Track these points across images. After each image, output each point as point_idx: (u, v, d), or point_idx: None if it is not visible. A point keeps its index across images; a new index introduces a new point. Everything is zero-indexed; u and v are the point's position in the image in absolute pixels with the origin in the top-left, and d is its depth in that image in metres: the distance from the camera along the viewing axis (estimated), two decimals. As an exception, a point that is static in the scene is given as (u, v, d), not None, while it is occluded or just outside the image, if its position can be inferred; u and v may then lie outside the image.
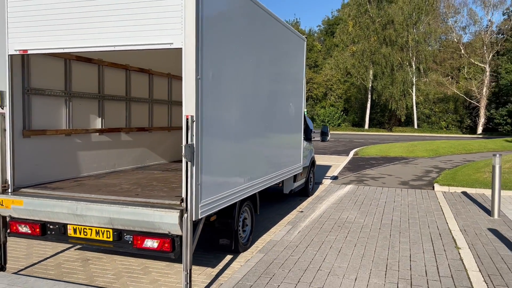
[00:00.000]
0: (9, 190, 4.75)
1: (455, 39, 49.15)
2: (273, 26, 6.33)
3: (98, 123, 6.39)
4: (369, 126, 50.74)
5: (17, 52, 4.68)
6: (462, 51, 47.78)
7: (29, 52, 4.66)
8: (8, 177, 4.75)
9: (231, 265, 5.30)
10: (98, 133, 6.34)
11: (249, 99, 5.55)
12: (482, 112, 46.32)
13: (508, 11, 46.43)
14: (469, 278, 4.88)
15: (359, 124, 53.00)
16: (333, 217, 7.76)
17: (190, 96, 4.03)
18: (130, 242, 4.31)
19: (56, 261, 5.46)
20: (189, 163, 3.99)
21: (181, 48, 4.03)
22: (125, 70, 6.93)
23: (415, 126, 48.00)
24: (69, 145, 5.79)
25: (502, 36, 45.99)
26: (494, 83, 45.94)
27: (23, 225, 4.69)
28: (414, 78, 47.03)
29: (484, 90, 45.78)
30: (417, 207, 8.66)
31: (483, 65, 46.45)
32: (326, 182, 11.72)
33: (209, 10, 4.22)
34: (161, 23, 4.09)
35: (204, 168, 4.19)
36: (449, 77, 49.62)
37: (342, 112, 54.36)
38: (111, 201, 4.38)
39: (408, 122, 50.10)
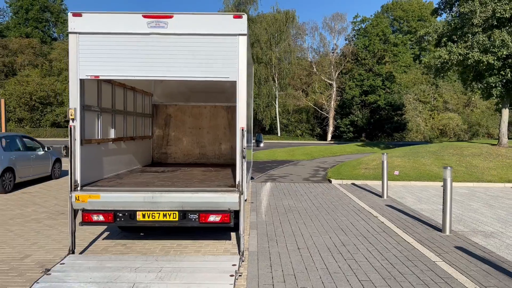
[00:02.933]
0: (78, 188, 5.88)
1: (308, 59, 56.44)
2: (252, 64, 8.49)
3: (114, 133, 7.58)
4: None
5: (89, 77, 5.88)
6: (314, 69, 55.14)
7: (100, 77, 5.91)
8: (78, 178, 5.88)
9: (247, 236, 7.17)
10: (114, 141, 7.54)
11: (250, 118, 7.59)
12: (331, 122, 54.13)
13: (349, 37, 55.49)
14: (393, 230, 7.68)
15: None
16: (278, 204, 10.07)
17: (243, 114, 5.91)
18: (194, 219, 5.92)
19: (101, 246, 6.60)
20: (243, 160, 5.86)
21: (235, 81, 5.89)
22: (133, 91, 8.32)
23: (278, 134, 53.55)
24: (101, 151, 6.93)
25: (345, 58, 54.60)
26: (339, 97, 54.18)
27: (96, 215, 5.86)
28: (277, 91, 52.53)
29: (332, 103, 53.61)
30: (330, 195, 11.54)
31: (331, 82, 54.38)
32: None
33: (248, 55, 6.15)
34: (220, 62, 5.87)
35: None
36: (301, 90, 56.67)
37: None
38: (182, 190, 5.93)
39: (272, 130, 55.55)
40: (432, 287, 5.01)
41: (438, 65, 18.73)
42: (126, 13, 5.85)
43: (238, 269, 5.26)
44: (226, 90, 11.09)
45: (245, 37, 5.86)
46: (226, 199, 5.84)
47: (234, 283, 4.86)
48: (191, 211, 5.92)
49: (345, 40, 56.89)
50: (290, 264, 5.80)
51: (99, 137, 6.90)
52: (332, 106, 53.52)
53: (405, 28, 65.33)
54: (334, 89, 53.88)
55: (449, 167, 7.44)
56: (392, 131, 54.11)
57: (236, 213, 5.93)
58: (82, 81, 5.90)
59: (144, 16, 5.83)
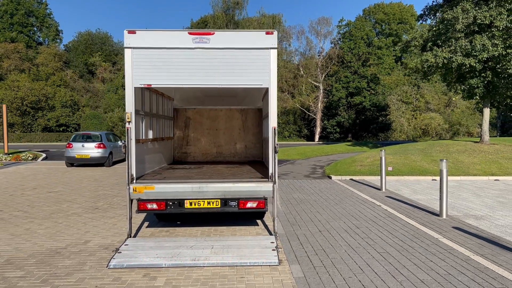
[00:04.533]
0: (134, 181, 6.83)
1: (295, 62, 57.81)
2: None
3: (151, 134, 8.52)
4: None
5: (142, 85, 6.84)
6: (301, 72, 56.51)
7: (152, 86, 6.88)
8: (133, 172, 6.83)
9: (268, 223, 8.20)
10: (151, 142, 8.48)
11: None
12: (318, 123, 55.53)
13: (334, 40, 57.06)
14: (397, 216, 8.80)
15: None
16: (289, 197, 11.12)
17: (274, 115, 6.94)
18: (234, 206, 6.92)
19: (148, 233, 7.54)
20: (275, 155, 6.89)
21: (267, 88, 6.93)
22: (161, 96, 9.27)
23: (267, 135, 54.62)
24: (143, 150, 7.87)
25: (331, 61, 56.10)
26: (326, 99, 55.64)
27: (150, 204, 6.81)
28: (265, 93, 53.60)
29: (319, 105, 55.03)
30: (333, 189, 12.64)
31: (317, 84, 55.81)
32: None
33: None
34: (255, 72, 6.89)
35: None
36: (287, 92, 57.94)
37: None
38: (224, 181, 6.92)
39: (260, 132, 56.58)
40: (439, 256, 6.11)
41: (426, 69, 20.04)
42: (174, 31, 6.83)
43: (277, 245, 6.29)
44: (238, 94, 12.11)
45: (276, 50, 6.89)
46: (262, 188, 6.86)
47: (278, 255, 5.89)
48: (232, 199, 6.91)
49: (331, 43, 58.56)
50: (317, 242, 6.85)
51: (142, 138, 7.84)
52: (319, 107, 54.93)
53: (387, 30, 67.26)
54: (321, 91, 55.31)
55: (444, 160, 8.60)
56: (377, 131, 55.81)
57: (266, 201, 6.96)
58: (136, 89, 6.85)
59: (190, 33, 6.82)
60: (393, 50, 61.80)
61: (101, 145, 19.43)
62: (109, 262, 5.73)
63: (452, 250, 6.39)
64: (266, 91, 9.01)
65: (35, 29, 71.79)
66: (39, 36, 72.96)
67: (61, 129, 52.12)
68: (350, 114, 54.78)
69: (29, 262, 5.92)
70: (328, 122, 55.30)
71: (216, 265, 5.67)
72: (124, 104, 53.05)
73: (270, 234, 7.37)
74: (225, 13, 49.80)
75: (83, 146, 19.26)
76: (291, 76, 57.92)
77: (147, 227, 8.00)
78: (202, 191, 6.81)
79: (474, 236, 7.15)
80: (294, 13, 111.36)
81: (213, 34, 6.83)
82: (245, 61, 6.87)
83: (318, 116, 55.13)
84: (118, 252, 6.04)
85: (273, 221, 6.98)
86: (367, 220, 8.41)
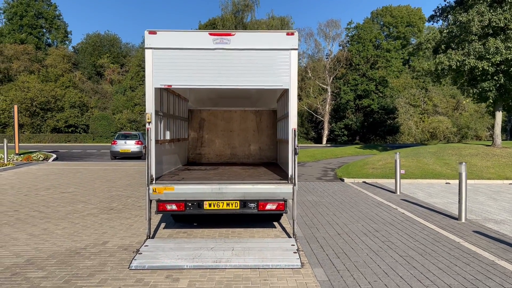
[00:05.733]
0: (154, 182, 6.80)
1: (303, 64, 57.75)
2: None
3: (169, 135, 8.50)
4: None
5: (162, 86, 6.82)
6: (309, 74, 56.43)
7: (172, 86, 6.85)
8: (153, 173, 6.80)
9: (285, 226, 8.13)
10: (169, 143, 8.46)
11: None
12: (326, 125, 55.37)
13: (342, 43, 56.95)
14: (415, 219, 8.71)
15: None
16: (304, 199, 11.05)
17: (294, 117, 6.89)
18: (253, 207, 6.86)
19: (166, 234, 7.51)
20: (295, 156, 6.83)
21: (288, 89, 6.88)
22: (177, 97, 9.27)
23: (275, 138, 54.54)
24: (161, 150, 7.85)
25: (339, 63, 55.97)
26: (333, 101, 55.50)
27: (169, 205, 6.78)
28: (273, 95, 53.56)
29: (326, 107, 54.89)
30: (347, 191, 12.56)
31: (325, 86, 55.69)
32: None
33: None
34: (275, 73, 6.84)
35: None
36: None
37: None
38: (244, 182, 6.87)
39: (268, 134, 56.50)
40: (463, 260, 6.02)
41: (439, 71, 19.91)
42: (194, 31, 6.82)
43: (298, 248, 6.23)
44: (252, 96, 12.09)
45: (296, 51, 6.85)
46: (282, 189, 6.80)
47: (300, 258, 5.83)
48: (251, 200, 6.85)
49: (339, 46, 58.39)
50: (337, 245, 6.79)
51: (161, 138, 7.82)
52: (327, 110, 54.78)
53: (394, 33, 67.09)
54: (329, 93, 55.17)
55: (464, 163, 8.50)
56: (385, 134, 55.57)
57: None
58: (156, 90, 6.83)
59: (210, 34, 6.79)
60: (402, 53, 61.70)
61: (139, 142, 24.45)
62: (130, 263, 5.70)
63: (476, 254, 6.29)
64: (282, 93, 8.98)
65: (44, 30, 72.37)
66: (48, 38, 73.54)
67: (70, 130, 52.39)
68: (358, 117, 54.57)
69: (50, 262, 5.90)
70: (335, 125, 55.13)
71: (238, 267, 5.62)
72: (132, 106, 53.45)
73: (289, 236, 7.31)
74: (234, 15, 49.87)
75: (125, 142, 24.39)
76: (299, 78, 57.78)
77: (164, 228, 7.97)
78: (221, 192, 6.77)
79: (496, 241, 7.04)
80: (303, 16, 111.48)
81: (233, 35, 6.80)
82: (266, 62, 6.83)
83: (326, 118, 54.97)
84: (139, 253, 6.01)
85: (293, 223, 6.92)
86: (385, 223, 8.32)
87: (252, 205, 6.87)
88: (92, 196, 11.57)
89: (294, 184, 6.81)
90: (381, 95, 54.59)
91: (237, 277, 5.31)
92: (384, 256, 6.20)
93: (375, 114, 54.17)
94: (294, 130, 6.84)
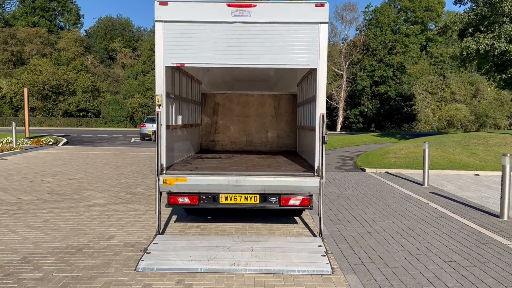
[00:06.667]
0: (164, 172, 6.08)
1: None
2: None
3: (181, 120, 7.76)
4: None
5: (174, 64, 6.06)
6: (324, 59, 55.05)
7: (185, 65, 6.08)
8: (163, 161, 6.08)
9: (307, 221, 7.39)
10: (181, 128, 7.73)
11: None
12: (341, 112, 54.24)
13: (360, 27, 55.35)
14: (450, 216, 7.89)
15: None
16: (325, 191, 10.14)
17: (322, 101, 6.08)
18: (274, 202, 6.12)
19: (177, 228, 6.82)
20: (323, 146, 6.05)
21: (315, 68, 6.06)
22: (190, 79, 8.51)
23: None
24: (172, 137, 7.12)
25: (355, 48, 54.51)
26: (349, 88, 54.21)
27: (182, 198, 6.07)
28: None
29: (342, 94, 53.67)
30: (370, 182, 11.75)
31: (341, 72, 54.38)
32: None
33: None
34: (301, 50, 6.02)
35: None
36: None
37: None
38: (264, 174, 6.13)
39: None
40: (517, 267, 5.23)
41: (464, 56, 18.82)
42: (211, 2, 5.99)
43: (327, 250, 5.48)
44: (270, 79, 11.25)
45: (326, 25, 6.01)
46: (307, 183, 6.04)
47: (330, 262, 5.09)
48: (272, 194, 6.10)
49: (356, 30, 56.75)
50: (369, 246, 6.03)
51: (172, 123, 7.08)
52: (342, 96, 53.58)
53: (412, 18, 65.04)
54: (344, 79, 53.91)
55: (508, 155, 7.62)
56: (401, 121, 54.26)
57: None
58: (167, 69, 6.07)
59: (229, 5, 5.97)
60: (419, 39, 59.89)
61: None
62: (137, 265, 5.02)
63: (531, 260, 5.48)
64: (305, 74, 8.15)
65: (57, 13, 71.87)
66: (60, 21, 73.11)
67: (81, 114, 52.10)
68: (374, 104, 53.28)
69: (48, 261, 5.26)
70: (350, 112, 53.96)
71: (259, 272, 4.91)
72: (144, 90, 52.84)
73: (313, 234, 6.57)
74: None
75: (152, 126, 25.07)
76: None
77: (175, 221, 7.30)
78: (239, 184, 6.03)
79: (549, 244, 6.22)
80: None
81: (255, 6, 5.98)
82: (291, 37, 6.02)
83: (341, 105, 53.81)
84: (147, 253, 5.33)
85: (319, 222, 6.17)
86: (418, 220, 7.53)
87: (273, 199, 6.13)
88: (100, 183, 10.95)
89: (322, 177, 6.05)
90: (398, 81, 53.15)
91: (259, 284, 4.60)
92: (425, 261, 5.43)
93: (391, 101, 52.83)
94: (323, 116, 6.05)
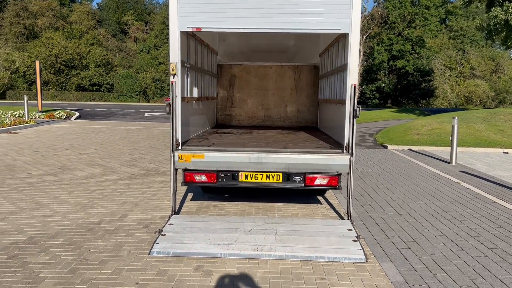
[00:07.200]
0: (179, 148, 5.60)
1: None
2: None
3: (197, 92, 7.23)
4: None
5: (190, 29, 5.48)
6: (340, 33, 53.60)
7: (202, 29, 5.50)
8: (179, 136, 5.59)
9: (331, 201, 6.90)
10: (196, 101, 7.21)
11: None
12: (357, 87, 52.97)
13: (377, -1, 53.46)
14: (486, 197, 7.32)
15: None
16: (347, 169, 9.73)
17: (354, 70, 5.49)
18: (299, 181, 5.62)
19: (193, 207, 6.40)
20: (354, 120, 5.48)
21: (347, 33, 5.44)
22: (206, 48, 7.92)
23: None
24: (188, 110, 6.61)
25: (373, 21, 52.81)
26: (365, 62, 52.79)
27: (199, 175, 5.60)
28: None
29: (358, 69, 52.30)
30: (393, 160, 11.17)
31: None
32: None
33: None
34: (331, 13, 5.39)
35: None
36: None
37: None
38: (288, 151, 5.61)
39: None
40: None
41: (491, 27, 17.76)
42: (231, -42, 5.36)
43: (358, 235, 5.00)
44: (289, 49, 10.60)
45: (360, -16, 5.35)
46: (336, 161, 5.51)
47: (363, 248, 4.61)
48: (296, 173, 5.60)
49: (374, 2, 54.83)
50: (402, 230, 5.52)
51: (187, 95, 6.56)
52: (358, 71, 52.27)
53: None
54: (361, 53, 52.39)
55: (553, 131, 6.96)
56: (419, 97, 52.91)
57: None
58: (182, 34, 5.50)
59: (251, -38, 5.33)
60: (439, 12, 57.72)
61: None
62: (151, 248, 4.61)
63: None
64: (331, 42, 7.51)
65: (69, -14, 70.85)
66: (72, -7, 72.11)
67: (94, 89, 51.85)
68: (391, 79, 51.91)
69: (56, 242, 4.88)
70: (367, 87, 52.70)
71: (285, 258, 4.45)
72: (157, 65, 52.23)
73: (340, 216, 6.09)
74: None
75: None
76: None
77: (191, 199, 6.87)
78: (261, 162, 5.53)
79: None
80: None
81: (280, -37, 5.33)
82: None
83: (357, 80, 52.54)
84: (162, 235, 4.91)
85: (348, 203, 5.67)
86: (451, 202, 6.98)
87: (298, 178, 5.63)
88: (113, 158, 10.57)
89: (352, 155, 5.51)
90: (416, 56, 51.55)
91: (285, 273, 4.15)
92: (467, 247, 4.91)
93: (409, 76, 51.38)
94: (354, 87, 5.48)
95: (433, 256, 4.64)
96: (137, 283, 3.89)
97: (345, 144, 5.57)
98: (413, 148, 13.48)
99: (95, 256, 4.49)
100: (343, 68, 5.90)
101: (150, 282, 3.92)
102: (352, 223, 5.40)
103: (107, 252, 4.59)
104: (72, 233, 5.17)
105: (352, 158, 5.50)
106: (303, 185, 5.63)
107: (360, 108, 5.51)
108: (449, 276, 4.13)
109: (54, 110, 25.95)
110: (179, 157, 5.51)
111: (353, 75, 5.48)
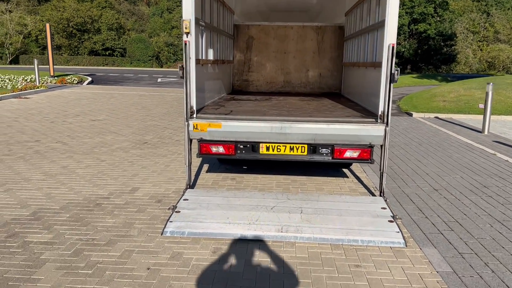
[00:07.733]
0: (194, 116, 5.06)
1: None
2: None
3: (212, 54, 6.61)
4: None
5: None
6: None
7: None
8: (194, 103, 5.03)
9: (358, 175, 6.36)
10: (212, 64, 6.60)
11: None
12: (374, 52, 51.34)
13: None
14: (528, 171, 6.70)
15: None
16: (372, 138, 9.12)
17: (393, 28, 4.81)
18: (326, 154, 5.07)
19: (209, 180, 5.93)
20: (391, 85, 4.84)
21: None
22: (222, 6, 7.25)
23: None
24: (203, 74, 6.02)
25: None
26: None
27: (215, 147, 5.09)
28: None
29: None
30: (420, 129, 10.50)
31: (376, 9, 50.75)
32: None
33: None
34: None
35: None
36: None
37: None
38: (315, 120, 5.03)
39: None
40: None
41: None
42: None
43: (395, 215, 4.46)
44: (311, 8, 9.79)
45: None
46: (369, 131, 4.93)
47: (401, 231, 4.09)
48: (324, 145, 5.05)
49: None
50: (441, 208, 4.98)
51: (202, 58, 5.95)
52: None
53: None
54: (380, 17, 50.42)
55: None
56: (440, 63, 51.07)
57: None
58: None
59: None
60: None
61: None
62: (164, 227, 4.16)
63: None
64: (358, 1, 6.76)
65: None
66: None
67: (107, 53, 51.10)
68: (412, 44, 49.99)
69: (60, 218, 4.46)
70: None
71: (313, 241, 3.97)
72: (169, 29, 51.07)
73: (370, 192, 5.55)
74: None
75: None
76: None
77: (207, 171, 6.40)
78: (284, 132, 4.97)
79: None
80: None
81: None
82: None
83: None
84: (176, 211, 4.45)
85: (381, 178, 5.12)
86: (490, 176, 6.37)
87: (325, 150, 5.07)
88: (124, 125, 10.12)
89: (387, 125, 4.91)
90: (439, 19, 49.34)
91: (314, 258, 3.67)
92: (517, 230, 4.36)
93: (430, 40, 49.35)
94: (393, 47, 4.80)
95: (481, 240, 4.10)
96: (148, 269, 3.45)
97: (379, 113, 4.96)
98: (440, 116, 12.74)
99: (103, 235, 4.06)
100: (378, 26, 5.21)
101: (163, 267, 3.48)
102: (385, 200, 4.87)
103: (115, 231, 4.16)
104: (79, 208, 4.75)
105: (387, 128, 4.91)
106: (330, 158, 5.08)
107: (399, 72, 4.83)
108: (504, 266, 3.60)
109: (66, 75, 25.51)
110: (194, 126, 4.98)
111: (391, 33, 4.80)
